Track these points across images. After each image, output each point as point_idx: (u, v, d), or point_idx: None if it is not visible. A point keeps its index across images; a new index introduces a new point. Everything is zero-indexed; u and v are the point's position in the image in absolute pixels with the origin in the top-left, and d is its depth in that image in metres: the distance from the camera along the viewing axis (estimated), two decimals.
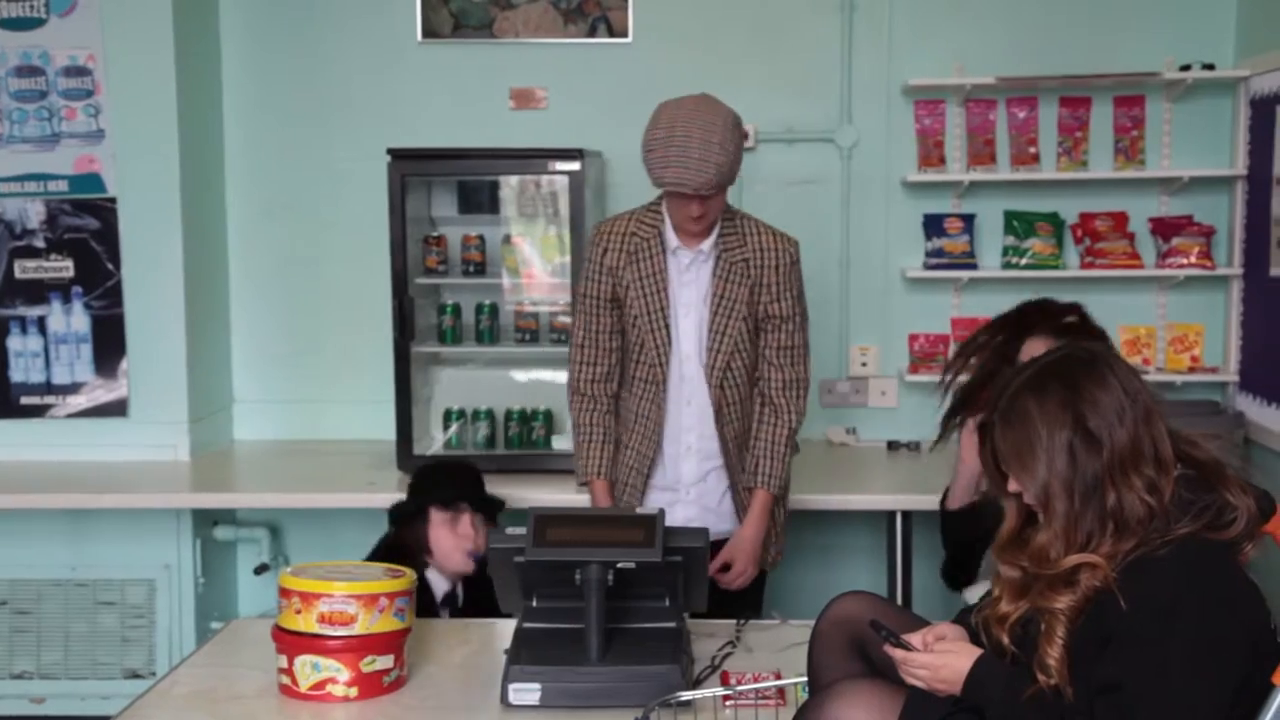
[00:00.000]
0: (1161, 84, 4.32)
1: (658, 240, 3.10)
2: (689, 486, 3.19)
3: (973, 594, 2.99)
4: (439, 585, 3.22)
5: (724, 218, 3.10)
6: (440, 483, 3.31)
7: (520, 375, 4.43)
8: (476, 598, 3.21)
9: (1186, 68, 4.25)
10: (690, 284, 3.12)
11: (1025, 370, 2.11)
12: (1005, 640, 2.07)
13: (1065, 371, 2.05)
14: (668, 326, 3.10)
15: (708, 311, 3.10)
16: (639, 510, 2.63)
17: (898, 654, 2.12)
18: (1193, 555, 1.93)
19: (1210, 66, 4.25)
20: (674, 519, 2.98)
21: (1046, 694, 1.96)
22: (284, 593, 2.52)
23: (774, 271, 3.10)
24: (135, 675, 4.24)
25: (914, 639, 2.14)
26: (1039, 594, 2.01)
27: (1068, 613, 1.96)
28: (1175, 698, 1.86)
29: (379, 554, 3.17)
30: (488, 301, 4.28)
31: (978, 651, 2.07)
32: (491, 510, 3.36)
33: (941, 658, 2.08)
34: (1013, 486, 2.09)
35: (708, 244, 3.09)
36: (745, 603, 3.15)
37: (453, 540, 3.21)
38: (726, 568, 3.15)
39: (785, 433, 3.17)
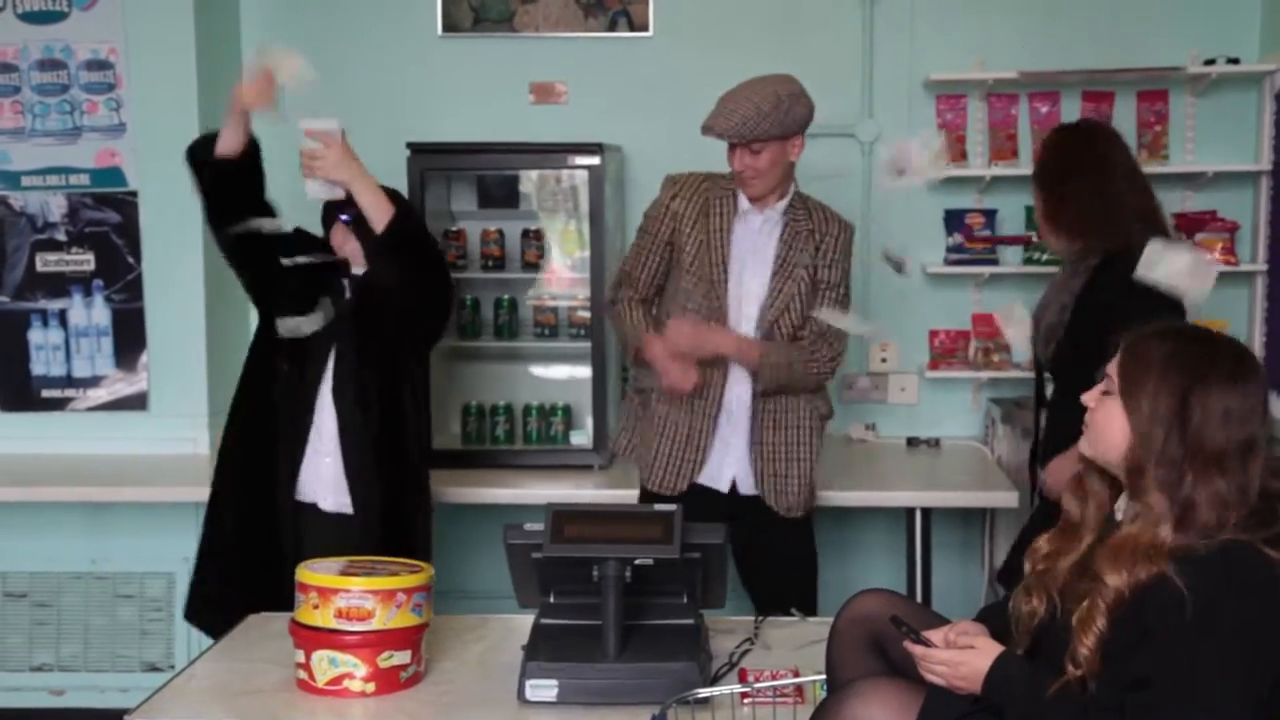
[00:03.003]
0: (1185, 78, 4.28)
1: (731, 200, 3.33)
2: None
3: None
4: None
5: (794, 196, 3.36)
6: None
7: (539, 370, 4.43)
8: None
9: (1211, 62, 4.21)
10: (761, 248, 3.33)
11: (1176, 322, 2.11)
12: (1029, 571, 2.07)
13: (1210, 349, 2.03)
14: (727, 277, 3.30)
15: (770, 271, 3.32)
16: (657, 507, 2.62)
17: (917, 650, 2.11)
18: (1236, 558, 1.90)
19: (1235, 61, 4.21)
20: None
21: (1071, 689, 1.94)
22: (301, 587, 2.52)
23: (834, 241, 3.37)
24: (154, 668, 4.25)
25: (935, 635, 2.13)
26: (1099, 558, 1.98)
27: (1112, 598, 1.93)
28: (1204, 699, 1.84)
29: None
30: (506, 296, 4.28)
31: (998, 649, 2.05)
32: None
33: (961, 654, 2.07)
34: (1087, 398, 2.09)
35: (777, 210, 3.33)
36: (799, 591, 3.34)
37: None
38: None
39: (809, 346, 3.34)
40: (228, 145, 3.19)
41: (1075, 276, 3.10)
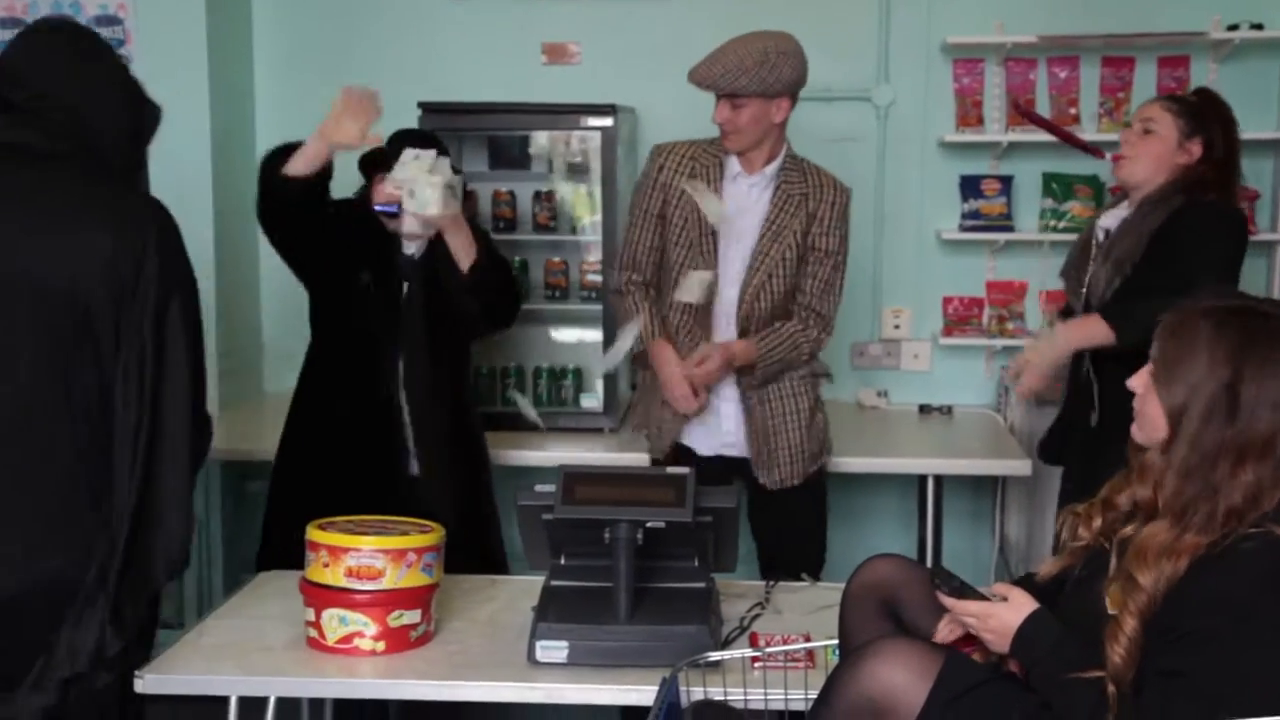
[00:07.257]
0: (1207, 44, 4.23)
1: (718, 168, 3.26)
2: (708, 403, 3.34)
3: None
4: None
5: (787, 156, 3.29)
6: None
7: (550, 333, 4.41)
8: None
9: (1234, 27, 4.16)
10: (748, 211, 3.26)
11: (1215, 296, 2.01)
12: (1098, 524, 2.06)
13: (1257, 324, 1.94)
14: (716, 249, 3.24)
15: (757, 235, 3.25)
16: (669, 470, 2.60)
17: (948, 601, 2.10)
18: (1276, 555, 1.86)
19: (1259, 27, 4.15)
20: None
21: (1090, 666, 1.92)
22: (312, 546, 2.51)
23: (830, 208, 3.28)
24: (165, 625, 4.20)
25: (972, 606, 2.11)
26: (1131, 556, 1.93)
27: (1144, 602, 1.88)
28: (1237, 698, 1.80)
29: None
30: (517, 258, 4.25)
31: (1032, 605, 2.04)
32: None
33: (992, 607, 2.06)
34: (1134, 383, 2.03)
35: (767, 174, 3.25)
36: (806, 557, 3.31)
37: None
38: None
39: (792, 330, 3.28)
40: (300, 168, 3.09)
41: (1152, 214, 3.02)
